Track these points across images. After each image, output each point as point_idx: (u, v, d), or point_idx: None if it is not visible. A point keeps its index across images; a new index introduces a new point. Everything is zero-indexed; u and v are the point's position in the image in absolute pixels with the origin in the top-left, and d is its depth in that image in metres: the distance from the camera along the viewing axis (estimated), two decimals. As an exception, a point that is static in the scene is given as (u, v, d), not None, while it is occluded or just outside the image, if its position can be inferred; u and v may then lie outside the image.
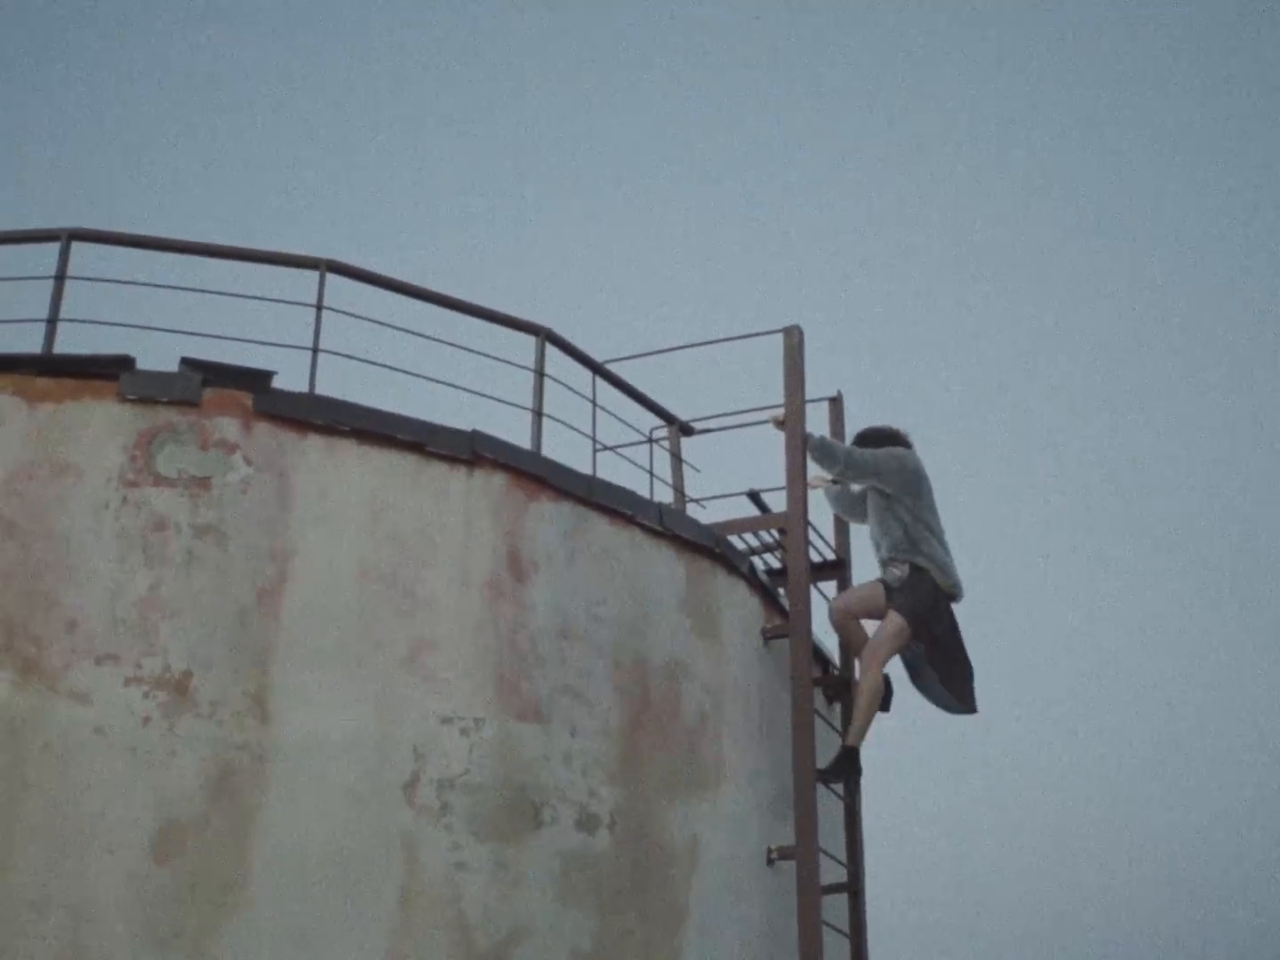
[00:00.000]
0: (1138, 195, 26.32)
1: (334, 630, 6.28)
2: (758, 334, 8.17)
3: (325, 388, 6.68)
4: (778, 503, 8.08)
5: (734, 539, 8.08)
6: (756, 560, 8.23)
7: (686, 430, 8.62)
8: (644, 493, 7.55)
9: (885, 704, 7.86)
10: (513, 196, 26.70)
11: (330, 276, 6.95)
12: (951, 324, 26.55)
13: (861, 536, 8.33)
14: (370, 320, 6.93)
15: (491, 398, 7.04)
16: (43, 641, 6.01)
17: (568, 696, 6.68)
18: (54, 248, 6.77)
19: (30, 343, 6.53)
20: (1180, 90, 26.17)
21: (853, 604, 8.03)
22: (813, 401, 8.36)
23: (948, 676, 7.81)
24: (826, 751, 7.88)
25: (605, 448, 7.88)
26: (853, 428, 8.37)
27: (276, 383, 6.56)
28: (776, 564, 8.48)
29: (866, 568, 8.28)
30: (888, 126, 26.85)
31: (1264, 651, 24.06)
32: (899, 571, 7.80)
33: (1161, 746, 23.57)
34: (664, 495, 8.25)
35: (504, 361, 7.24)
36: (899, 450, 7.96)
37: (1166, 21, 25.60)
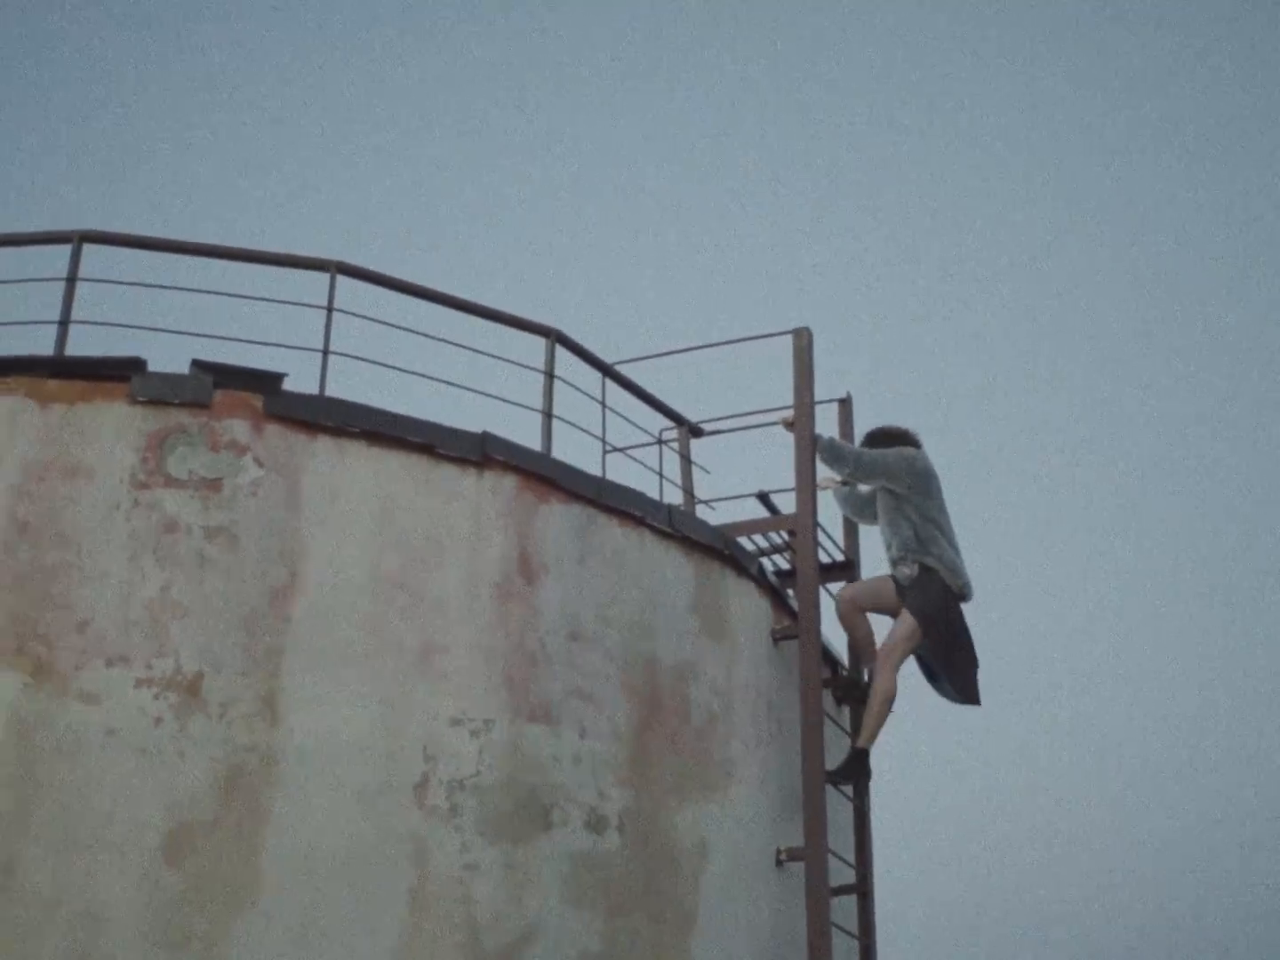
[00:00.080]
0: (1145, 195, 26.29)
1: (344, 632, 6.30)
2: (767, 336, 8.18)
3: (335, 389, 6.72)
4: (787, 504, 8.10)
5: (743, 540, 8.08)
6: (766, 561, 8.24)
7: (696, 432, 8.63)
8: (653, 494, 7.58)
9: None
10: (522, 198, 26.71)
11: (340, 278, 6.96)
12: (960, 325, 26.53)
13: (870, 538, 8.36)
14: (380, 322, 6.95)
15: (501, 399, 7.06)
16: (54, 642, 6.03)
17: (577, 698, 6.69)
18: (65, 250, 6.80)
19: (42, 344, 6.57)
20: (1182, 90, 26.13)
21: (860, 596, 8.02)
22: (822, 403, 8.38)
23: (951, 668, 7.80)
24: (835, 753, 7.89)
25: (615, 449, 7.90)
26: (862, 429, 8.38)
27: (287, 384, 6.57)
28: (786, 565, 8.49)
29: (875, 569, 8.31)
30: (897, 128, 26.84)
31: (1269, 648, 24.03)
32: (909, 570, 7.80)
33: (1167, 745, 23.55)
34: (673, 497, 8.28)
35: (514, 363, 7.26)
36: (908, 450, 7.96)
37: (1168, 22, 25.56)
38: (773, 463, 8.22)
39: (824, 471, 8.04)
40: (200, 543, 6.26)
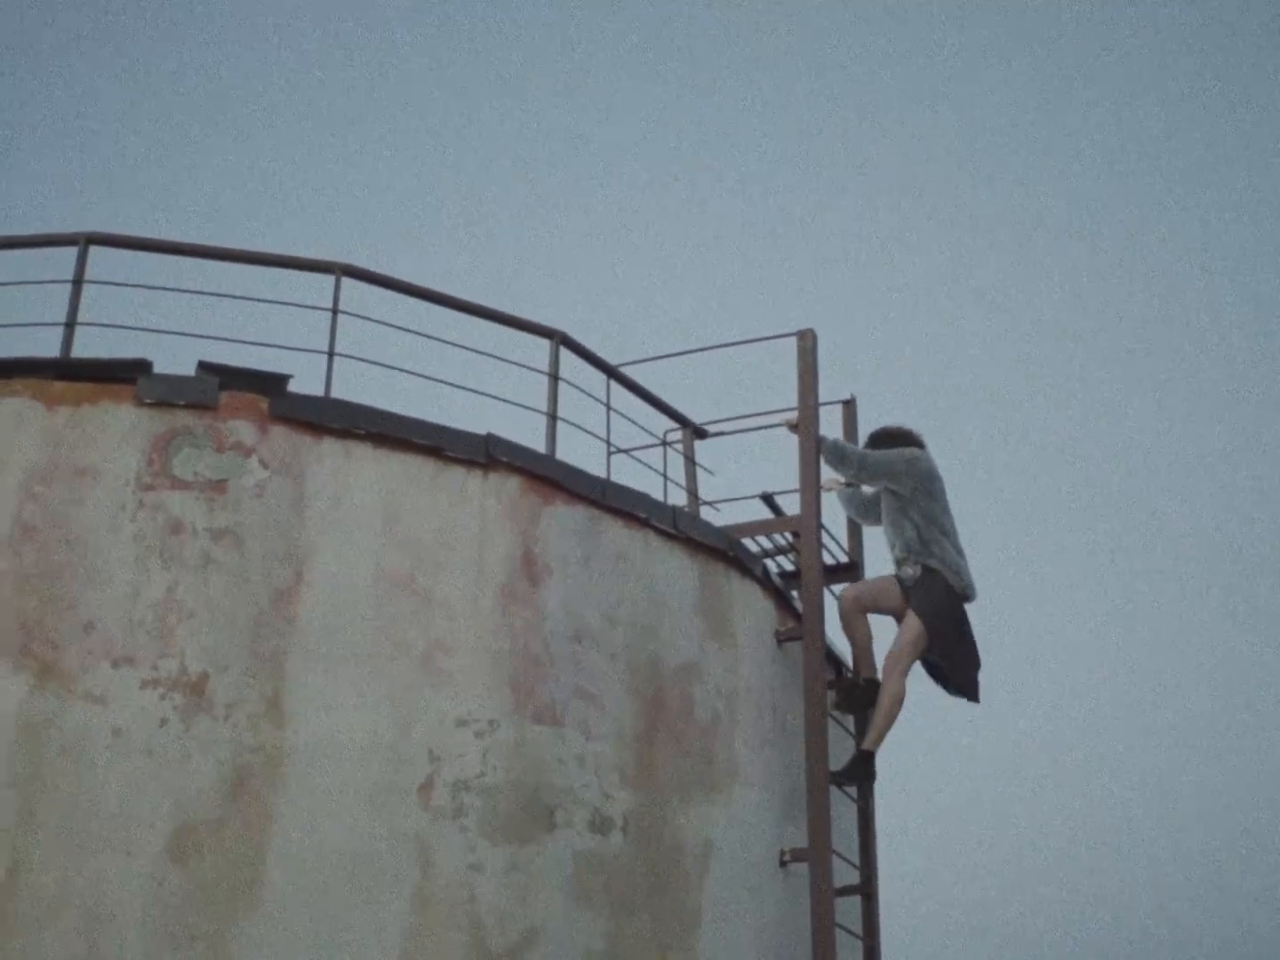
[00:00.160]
0: (1150, 194, 26.27)
1: (349, 633, 6.31)
2: (771, 337, 8.18)
3: (341, 391, 6.73)
4: (791, 505, 8.10)
5: (747, 542, 8.09)
6: (770, 563, 8.24)
7: (700, 433, 8.63)
8: (658, 495, 7.58)
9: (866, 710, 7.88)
10: (527, 200, 26.74)
11: (345, 281, 6.98)
12: (964, 326, 26.52)
13: (874, 539, 8.37)
14: (385, 324, 6.97)
15: (506, 401, 7.07)
16: (60, 644, 6.05)
17: (582, 699, 6.70)
18: (71, 252, 6.81)
19: (48, 346, 6.59)
20: (1183, 90, 26.11)
21: (864, 597, 8.01)
22: (826, 404, 8.38)
23: (954, 666, 7.79)
24: (839, 754, 7.90)
25: (619, 451, 7.91)
26: (866, 430, 8.37)
27: (292, 386, 6.59)
28: (790, 566, 8.49)
29: (879, 570, 8.30)
30: (902, 129, 26.84)
31: (1270, 648, 24.03)
32: (912, 571, 7.81)
33: (1170, 744, 23.54)
34: (678, 498, 8.28)
35: (518, 365, 7.27)
36: (912, 451, 7.96)
37: (1169, 22, 25.55)
38: (777, 464, 8.23)
39: (828, 473, 8.04)
40: (206, 544, 6.28)
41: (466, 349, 7.09)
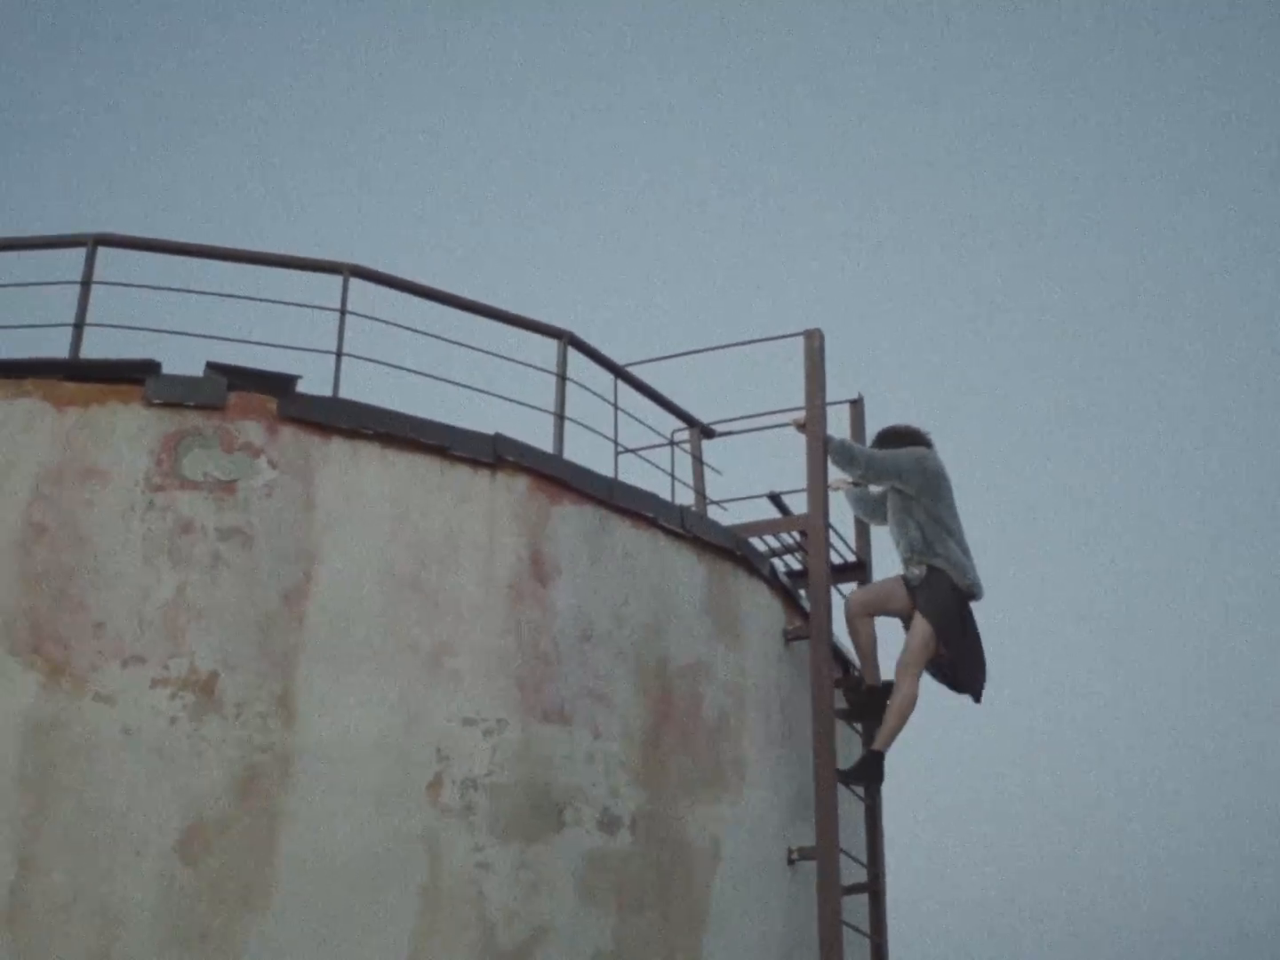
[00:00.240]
0: (1155, 194, 26.26)
1: (358, 632, 6.33)
2: (779, 337, 8.18)
3: (349, 391, 6.73)
4: (798, 505, 8.10)
5: (755, 541, 8.09)
6: (777, 562, 8.25)
7: (708, 433, 8.64)
8: (665, 495, 7.59)
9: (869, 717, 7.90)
10: (535, 200, 26.76)
11: (353, 281, 6.99)
12: (971, 326, 26.52)
13: (882, 538, 8.35)
14: (393, 324, 6.97)
15: (514, 401, 7.08)
16: (70, 643, 6.06)
17: (590, 698, 6.71)
18: (80, 253, 6.82)
19: (57, 347, 6.60)
20: (1185, 90, 26.10)
21: (870, 599, 8.01)
22: (833, 404, 8.37)
23: (960, 665, 7.79)
24: (847, 753, 7.90)
25: (627, 450, 7.91)
26: (873, 430, 8.37)
27: (300, 387, 6.60)
28: (797, 566, 8.49)
29: (887, 569, 8.29)
30: (908, 128, 26.85)
31: (1270, 647, 24.00)
32: (918, 571, 7.81)
33: (1172, 744, 23.52)
34: (685, 498, 8.28)
35: (526, 365, 7.28)
36: (919, 450, 7.96)
37: (1170, 22, 25.54)
38: (784, 464, 8.22)
39: (835, 472, 8.04)
40: (215, 544, 6.30)
41: (474, 349, 7.10)
